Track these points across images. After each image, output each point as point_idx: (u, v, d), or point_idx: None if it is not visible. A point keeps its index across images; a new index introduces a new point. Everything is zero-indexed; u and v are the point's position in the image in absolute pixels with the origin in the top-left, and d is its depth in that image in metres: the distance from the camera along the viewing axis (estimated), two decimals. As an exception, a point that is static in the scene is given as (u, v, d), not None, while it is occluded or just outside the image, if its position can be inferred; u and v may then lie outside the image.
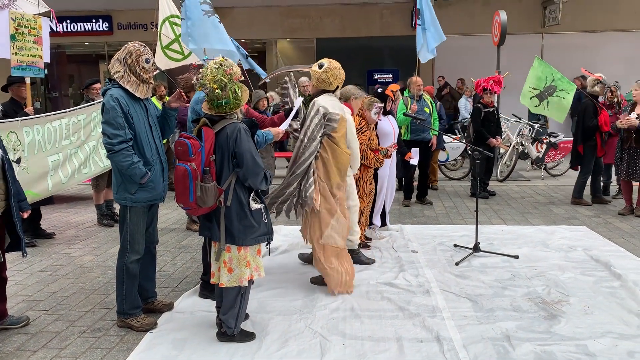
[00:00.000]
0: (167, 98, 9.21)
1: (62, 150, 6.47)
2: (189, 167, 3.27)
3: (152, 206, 3.96)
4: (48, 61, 6.92)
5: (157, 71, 3.99)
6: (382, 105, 5.60)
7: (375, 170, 5.71)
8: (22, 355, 3.56)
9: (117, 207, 7.22)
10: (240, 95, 3.44)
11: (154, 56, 6.13)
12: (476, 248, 5.45)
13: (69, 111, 6.74)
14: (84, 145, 6.89)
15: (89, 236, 6.55)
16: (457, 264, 5.18)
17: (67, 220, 7.41)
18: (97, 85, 7.16)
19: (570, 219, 7.03)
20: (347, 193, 5.08)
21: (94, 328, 3.94)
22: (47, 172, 6.22)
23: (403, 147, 6.58)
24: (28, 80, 6.52)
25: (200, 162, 3.32)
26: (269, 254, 3.77)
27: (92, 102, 6.94)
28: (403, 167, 8.01)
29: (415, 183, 8.28)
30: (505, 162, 10.26)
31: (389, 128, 6.03)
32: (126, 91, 3.69)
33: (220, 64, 3.42)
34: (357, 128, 5.30)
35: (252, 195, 3.49)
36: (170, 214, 7.62)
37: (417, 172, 8.13)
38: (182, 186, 3.31)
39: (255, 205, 3.48)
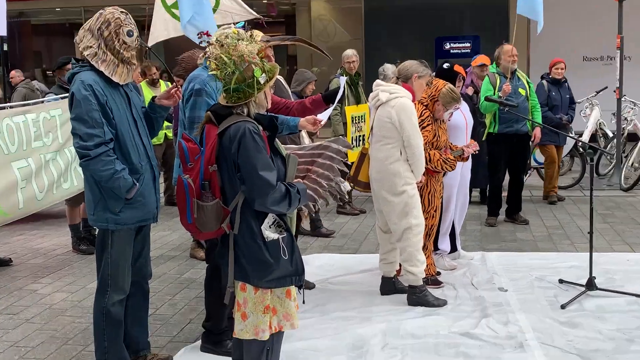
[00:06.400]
0: (162, 82, 9.35)
1: (32, 155, 6.52)
2: (185, 180, 3.24)
3: (141, 228, 4.00)
4: (5, 34, 7.07)
5: (140, 46, 3.99)
6: (460, 104, 5.57)
7: (442, 175, 5.69)
8: None
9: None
10: (259, 80, 3.22)
11: (153, 22, 6.25)
12: (590, 284, 5.36)
13: (34, 103, 6.87)
14: (64, 149, 6.96)
15: (61, 267, 6.70)
16: (563, 306, 5.12)
17: (33, 245, 7.61)
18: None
19: None
20: (408, 207, 5.09)
21: (67, 390, 4.05)
22: (15, 183, 6.23)
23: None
24: None
25: (198, 174, 3.27)
26: (303, 302, 3.69)
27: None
28: (489, 173, 7.95)
29: (505, 194, 8.21)
30: (632, 164, 10.05)
31: (460, 119, 5.98)
32: (101, 74, 3.70)
33: (225, 36, 3.25)
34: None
35: (267, 220, 3.30)
36: (169, 237, 7.76)
37: (506, 178, 8.05)
38: (181, 204, 3.29)
39: (270, 235, 3.28)
